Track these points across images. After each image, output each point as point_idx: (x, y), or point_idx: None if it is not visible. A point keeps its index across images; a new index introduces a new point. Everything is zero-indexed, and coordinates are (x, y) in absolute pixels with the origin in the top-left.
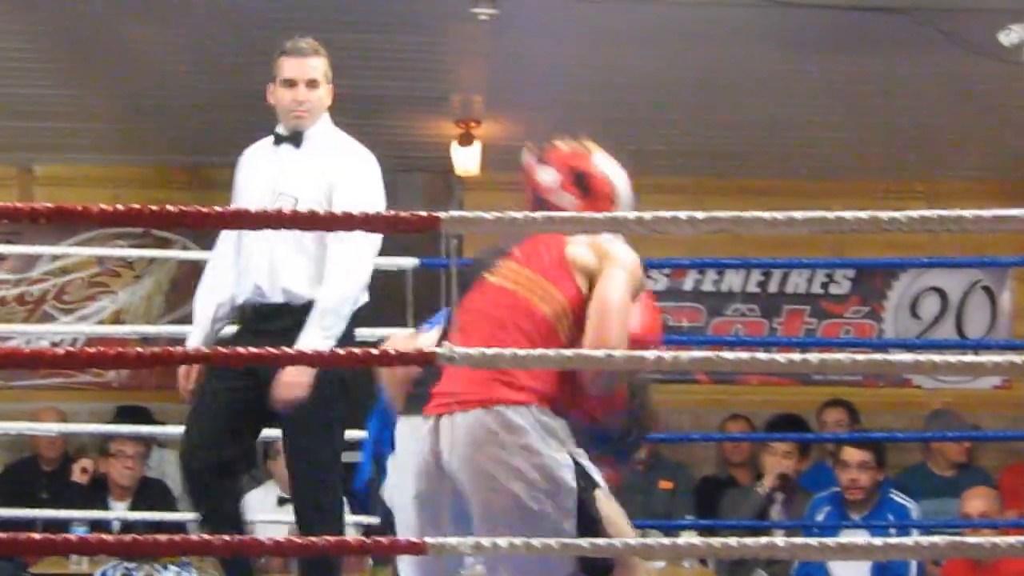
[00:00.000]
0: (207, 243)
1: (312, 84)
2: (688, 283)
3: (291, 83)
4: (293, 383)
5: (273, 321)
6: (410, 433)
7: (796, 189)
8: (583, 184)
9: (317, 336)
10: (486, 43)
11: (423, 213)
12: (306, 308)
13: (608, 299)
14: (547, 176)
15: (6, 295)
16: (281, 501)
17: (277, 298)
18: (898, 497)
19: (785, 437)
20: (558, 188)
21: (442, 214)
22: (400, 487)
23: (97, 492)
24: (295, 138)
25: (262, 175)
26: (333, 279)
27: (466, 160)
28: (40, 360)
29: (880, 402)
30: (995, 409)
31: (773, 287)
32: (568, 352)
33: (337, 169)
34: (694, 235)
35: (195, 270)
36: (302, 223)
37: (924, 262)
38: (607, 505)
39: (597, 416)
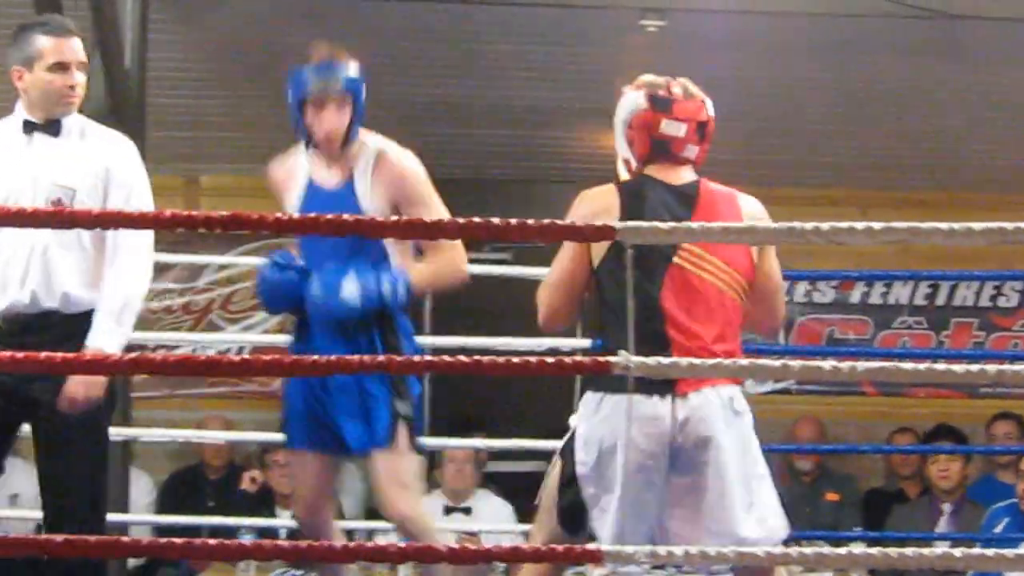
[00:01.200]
0: None
1: (81, 67)
2: (855, 296)
3: (63, 66)
4: (90, 383)
5: (42, 332)
6: (627, 413)
7: (956, 201)
8: (703, 132)
9: (113, 339)
10: (652, 55)
11: (599, 223)
12: (85, 315)
13: (778, 278)
14: (678, 129)
15: (172, 304)
16: (448, 510)
17: (50, 304)
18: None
19: (955, 450)
20: (687, 140)
21: (617, 224)
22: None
23: (264, 501)
24: (53, 126)
25: (17, 165)
26: (126, 277)
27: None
28: (216, 366)
29: None
30: None
31: (941, 300)
32: (743, 362)
33: (112, 159)
34: (863, 247)
35: None
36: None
37: None
38: None
39: None
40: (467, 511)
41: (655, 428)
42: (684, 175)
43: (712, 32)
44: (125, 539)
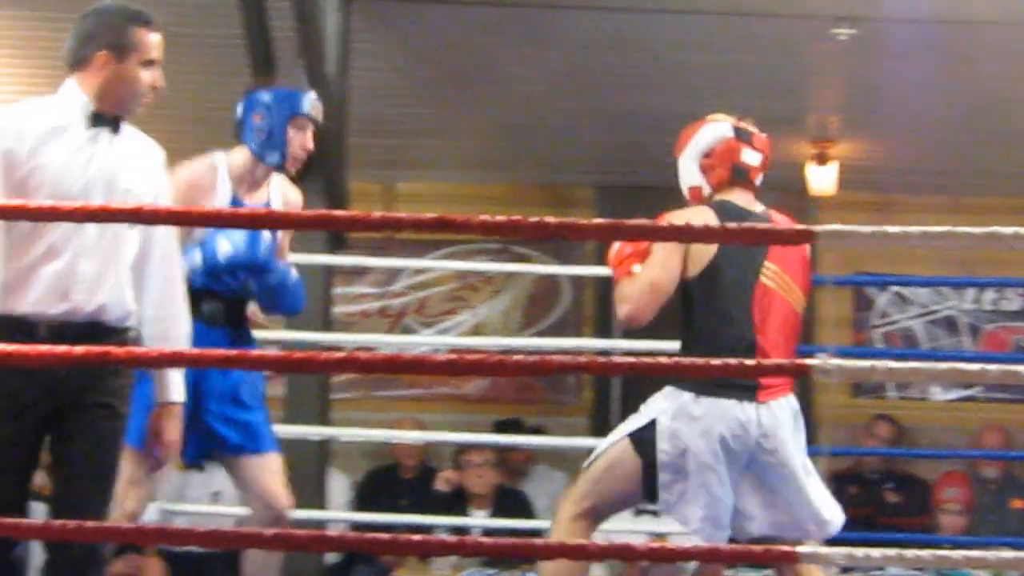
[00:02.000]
0: (565, 258)
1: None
2: None
3: (152, 64)
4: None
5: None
6: (719, 415)
7: None
8: (764, 167)
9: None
10: (844, 63)
11: (800, 226)
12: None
13: None
14: (755, 159)
15: (368, 308)
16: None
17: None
18: None
19: None
20: (760, 169)
21: (817, 228)
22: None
23: (458, 501)
24: (115, 123)
25: (83, 161)
26: (178, 298)
27: (821, 180)
28: (420, 366)
29: None
30: None
31: None
32: (942, 366)
33: (158, 166)
34: None
35: (554, 286)
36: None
37: None
38: None
39: None
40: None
41: (743, 431)
42: (756, 203)
43: (903, 40)
44: (331, 534)
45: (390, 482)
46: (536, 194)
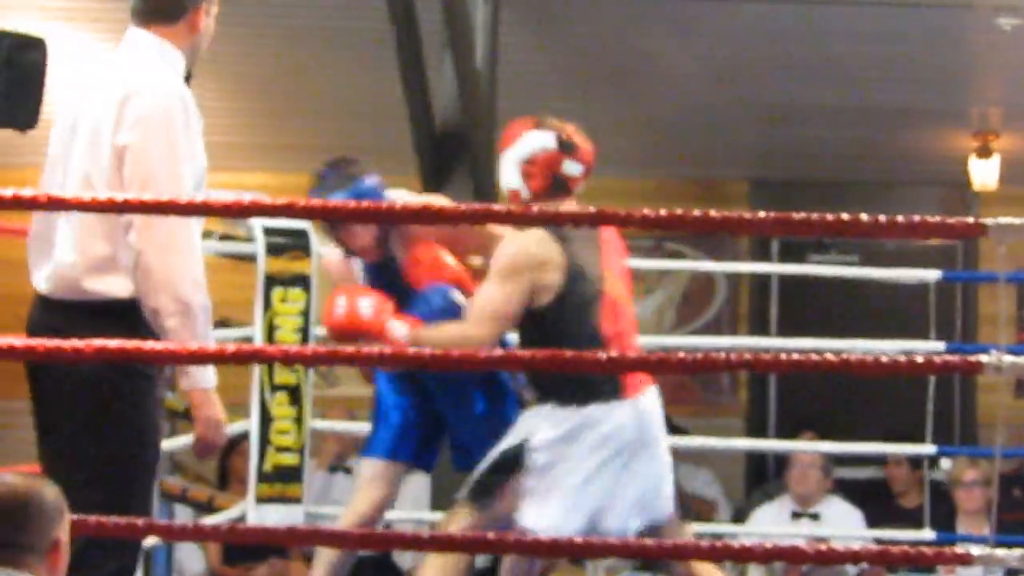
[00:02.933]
0: (718, 255)
1: None
2: None
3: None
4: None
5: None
6: (600, 417)
7: None
8: (586, 176)
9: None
10: (1008, 54)
11: (970, 220)
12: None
13: None
14: (576, 171)
15: None
16: (795, 515)
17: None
18: None
19: None
20: (580, 180)
21: (989, 221)
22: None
23: None
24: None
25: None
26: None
27: (984, 173)
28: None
29: None
30: None
31: None
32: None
33: None
34: None
35: (708, 283)
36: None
37: None
38: None
39: None
40: (815, 516)
41: (617, 432)
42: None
43: None
44: (489, 535)
45: None
46: (688, 189)
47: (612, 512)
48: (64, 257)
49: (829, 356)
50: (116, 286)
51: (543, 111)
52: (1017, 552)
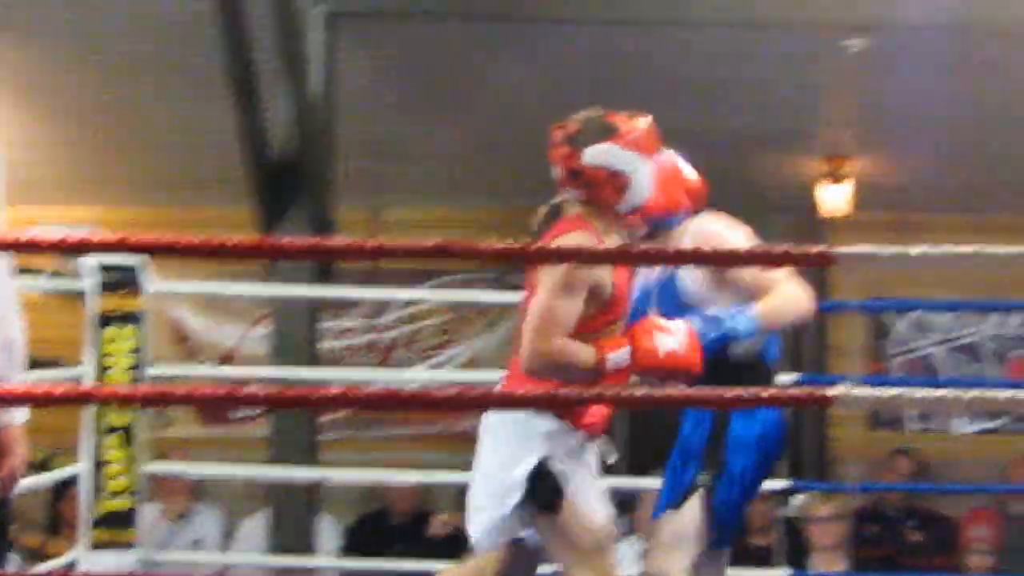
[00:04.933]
0: None
1: None
2: None
3: None
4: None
5: None
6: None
7: None
8: (579, 179)
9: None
10: (856, 76)
11: (817, 248)
12: None
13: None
14: (554, 173)
15: (356, 342)
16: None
17: None
18: None
19: None
20: (563, 185)
21: (837, 250)
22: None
23: (458, 546)
24: None
25: None
26: None
27: (834, 199)
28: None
29: None
30: None
31: None
32: (972, 393)
33: None
34: None
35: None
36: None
37: None
38: None
39: None
40: None
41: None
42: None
43: (918, 50)
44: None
45: (382, 527)
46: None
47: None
48: None
49: (673, 391)
50: None
51: (382, 140)
52: None
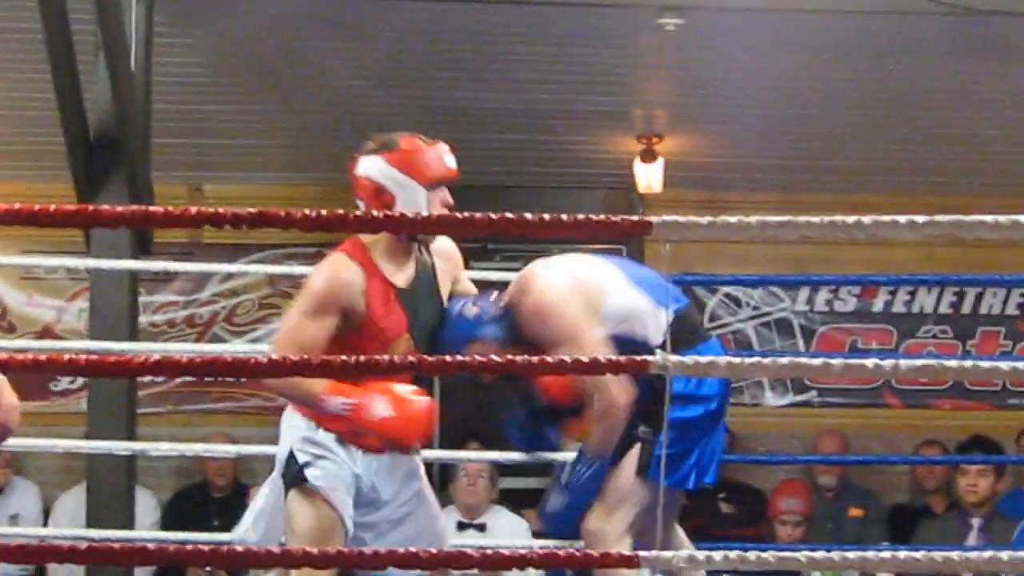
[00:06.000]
0: None
1: None
2: (878, 304)
3: None
4: None
5: None
6: None
7: (990, 208)
8: (354, 189)
9: None
10: (670, 55)
11: (634, 218)
12: None
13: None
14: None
15: (175, 317)
16: (461, 526)
17: None
18: None
19: (987, 460)
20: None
21: (654, 219)
22: None
23: None
24: None
25: None
26: None
27: (648, 177)
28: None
29: None
30: None
31: (967, 308)
32: (783, 360)
33: None
34: (885, 256)
35: None
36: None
37: None
38: None
39: None
40: (481, 527)
41: None
42: None
43: (733, 31)
44: (151, 546)
45: (200, 501)
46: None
47: None
48: None
49: (494, 357)
50: None
51: (200, 115)
52: (684, 553)
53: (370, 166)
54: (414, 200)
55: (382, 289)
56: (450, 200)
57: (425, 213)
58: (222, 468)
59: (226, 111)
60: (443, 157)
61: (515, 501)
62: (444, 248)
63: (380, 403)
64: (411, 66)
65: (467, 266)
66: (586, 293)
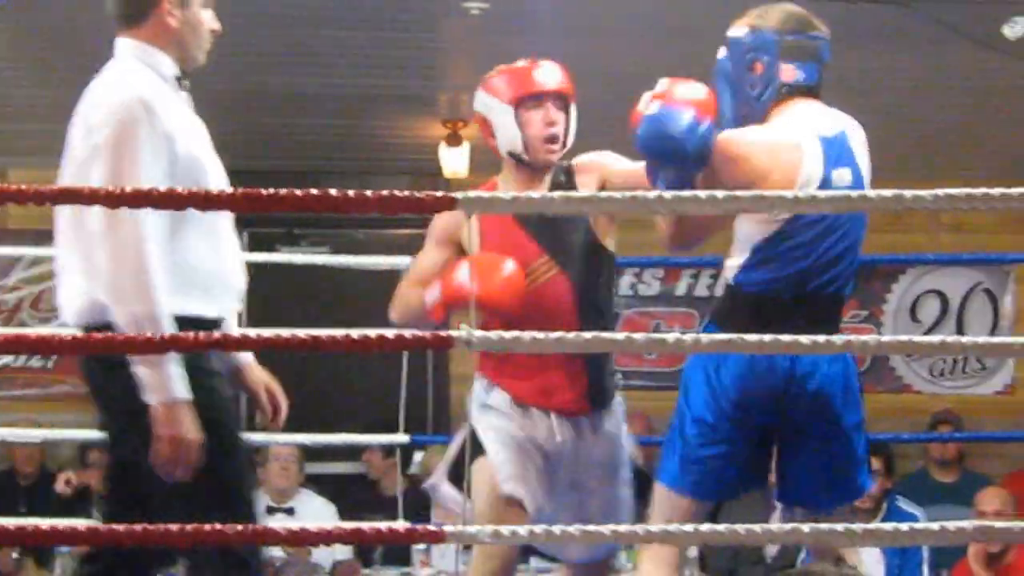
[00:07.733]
0: None
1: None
2: (681, 288)
3: (210, 5)
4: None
5: None
6: None
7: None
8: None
9: None
10: (476, 39)
11: (439, 194)
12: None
13: None
14: None
15: None
16: (271, 510)
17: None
18: (905, 505)
19: None
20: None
21: (459, 195)
22: None
23: (82, 504)
24: (181, 82)
25: (201, 133)
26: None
27: (454, 161)
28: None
29: (879, 408)
30: (997, 415)
31: None
32: (617, 336)
33: None
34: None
35: None
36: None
37: (929, 258)
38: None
39: None
40: (290, 511)
41: None
42: None
43: (540, 15)
44: None
45: (6, 489)
46: None
47: None
48: None
49: (300, 335)
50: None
51: (8, 100)
52: (489, 528)
53: (477, 99)
54: (502, 122)
55: (498, 220)
56: (553, 117)
57: (515, 131)
58: (30, 456)
59: (29, 94)
60: (531, 72)
61: (329, 486)
62: (585, 162)
63: (465, 273)
64: (217, 50)
65: (273, 250)
66: None
